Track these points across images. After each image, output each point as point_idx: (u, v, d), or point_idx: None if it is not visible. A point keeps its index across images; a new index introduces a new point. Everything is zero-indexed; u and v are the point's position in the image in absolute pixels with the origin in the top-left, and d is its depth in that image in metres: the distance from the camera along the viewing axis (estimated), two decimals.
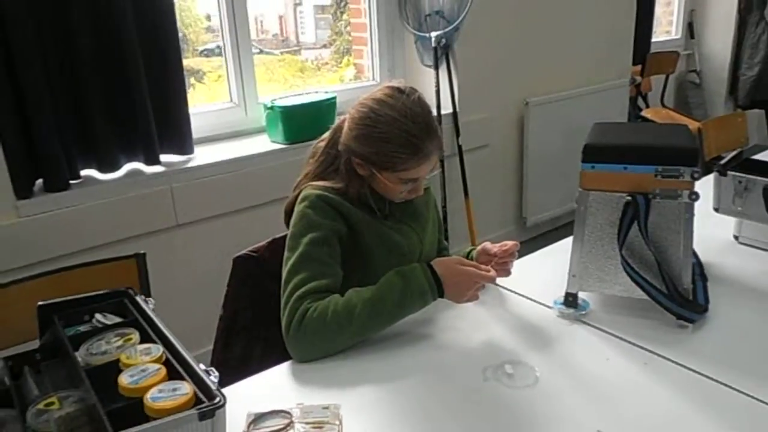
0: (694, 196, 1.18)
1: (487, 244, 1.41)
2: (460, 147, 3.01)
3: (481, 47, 3.04)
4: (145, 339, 0.92)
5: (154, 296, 1.21)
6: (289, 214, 1.34)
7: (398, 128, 1.22)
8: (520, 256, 1.60)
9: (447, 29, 2.85)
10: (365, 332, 1.20)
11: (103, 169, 2.14)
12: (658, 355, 1.16)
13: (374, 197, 1.32)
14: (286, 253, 1.27)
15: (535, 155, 3.37)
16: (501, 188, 3.40)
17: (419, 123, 1.24)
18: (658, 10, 4.59)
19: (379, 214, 1.34)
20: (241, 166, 2.36)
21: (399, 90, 1.27)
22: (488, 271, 1.26)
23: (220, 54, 2.59)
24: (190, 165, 2.27)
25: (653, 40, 4.42)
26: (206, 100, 2.63)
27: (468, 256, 1.45)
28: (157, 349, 0.87)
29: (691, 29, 4.86)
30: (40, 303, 0.97)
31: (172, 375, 0.82)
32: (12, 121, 1.88)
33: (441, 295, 1.24)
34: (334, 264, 1.25)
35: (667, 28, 4.93)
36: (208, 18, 2.74)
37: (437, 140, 1.27)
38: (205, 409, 0.73)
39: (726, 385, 1.07)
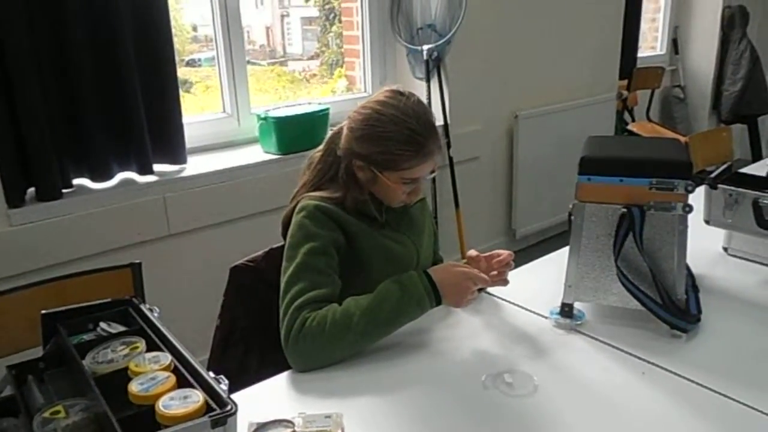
0: (688, 209, 1.21)
1: (473, 252, 1.42)
2: (451, 159, 3.04)
3: (472, 61, 3.09)
4: (150, 347, 0.92)
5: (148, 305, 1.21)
6: (286, 224, 1.35)
7: (401, 126, 1.25)
8: (513, 268, 1.62)
9: (438, 43, 2.89)
10: (364, 341, 1.21)
11: (95, 179, 2.13)
12: (653, 364, 1.18)
13: (373, 204, 1.34)
14: (284, 264, 1.28)
15: (525, 167, 3.42)
16: (491, 200, 3.44)
17: (421, 121, 1.26)
18: (644, 26, 4.67)
19: (378, 220, 1.35)
20: (234, 176, 2.36)
21: (399, 92, 1.30)
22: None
23: (203, 64, 2.60)
24: (183, 175, 2.27)
25: (639, 55, 4.50)
26: (193, 111, 2.64)
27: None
28: (166, 357, 0.87)
29: (675, 45, 4.96)
30: (43, 312, 0.96)
31: (182, 383, 0.82)
32: (5, 129, 1.87)
33: (439, 301, 1.25)
34: (332, 273, 1.26)
35: (652, 44, 5.02)
36: (195, 28, 2.75)
37: (438, 140, 1.30)
38: (217, 417, 0.73)
39: (719, 393, 1.09)
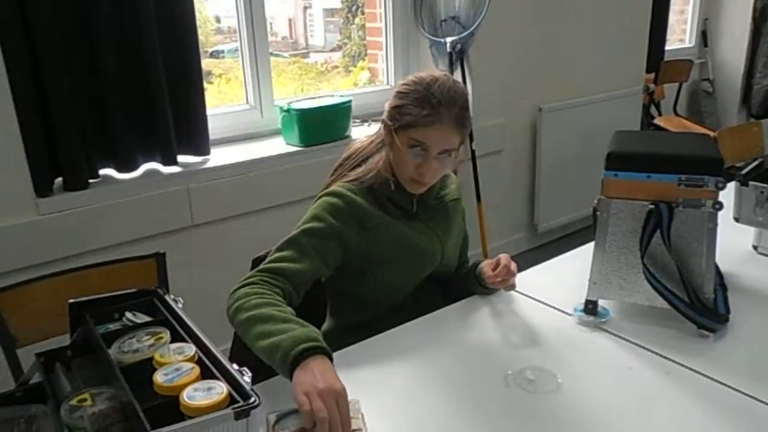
0: (718, 206, 1.19)
1: (487, 269, 1.39)
2: (473, 152, 3.02)
3: (496, 53, 3.06)
4: (175, 338, 0.93)
5: (172, 295, 1.22)
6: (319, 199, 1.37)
7: (423, 87, 1.27)
8: (534, 264, 1.62)
9: (462, 35, 2.86)
10: (244, 337, 1.11)
11: (121, 169, 2.16)
12: (680, 365, 1.16)
13: (401, 192, 1.34)
14: None
15: (548, 161, 3.38)
16: (513, 194, 3.41)
17: (443, 88, 1.26)
18: (672, 18, 4.58)
19: (409, 210, 1.36)
20: (257, 167, 2.37)
21: (446, 74, 1.32)
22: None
23: (227, 56, 2.60)
24: (206, 166, 2.29)
25: (667, 48, 4.41)
26: (216, 103, 2.65)
27: (475, 268, 1.44)
28: (190, 348, 0.88)
29: (704, 37, 4.85)
30: (71, 301, 0.98)
31: (205, 374, 0.83)
32: (34, 120, 1.91)
33: (288, 372, 1.01)
34: (315, 257, 1.26)
35: (680, 36, 4.92)
36: (218, 20, 2.76)
37: (457, 117, 1.27)
38: (240, 409, 0.74)
39: (747, 395, 1.07)
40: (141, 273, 1.56)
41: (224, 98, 2.74)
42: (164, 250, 1.58)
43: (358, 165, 1.38)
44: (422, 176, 1.30)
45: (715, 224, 1.20)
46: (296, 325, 1.07)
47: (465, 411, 1.05)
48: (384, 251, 1.32)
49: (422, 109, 1.25)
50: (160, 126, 2.15)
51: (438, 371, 1.16)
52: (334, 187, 1.33)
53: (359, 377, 1.15)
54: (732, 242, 1.56)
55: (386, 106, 1.33)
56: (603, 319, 1.31)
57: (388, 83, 3.08)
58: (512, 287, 1.39)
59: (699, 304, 1.22)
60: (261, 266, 1.24)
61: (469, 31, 2.84)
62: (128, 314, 1.01)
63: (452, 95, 1.27)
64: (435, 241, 1.39)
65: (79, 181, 2.03)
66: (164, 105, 2.14)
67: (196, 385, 0.80)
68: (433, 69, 1.31)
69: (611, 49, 3.59)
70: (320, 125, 2.51)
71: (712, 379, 1.12)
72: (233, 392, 0.78)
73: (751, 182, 1.49)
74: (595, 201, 1.28)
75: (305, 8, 3.25)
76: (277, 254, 1.25)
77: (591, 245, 1.31)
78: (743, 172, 1.52)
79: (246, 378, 0.80)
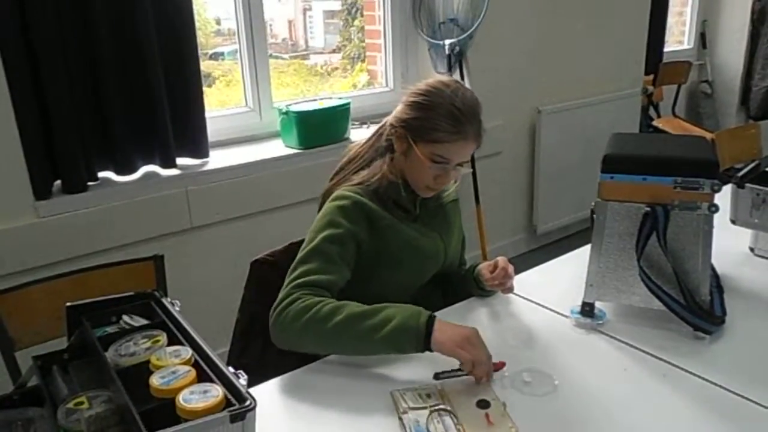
0: (714, 209, 1.19)
1: (485, 272, 1.41)
2: (472, 154, 3.02)
3: (495, 55, 3.06)
4: (172, 341, 0.94)
5: (169, 298, 1.23)
6: (322, 203, 1.37)
7: (447, 101, 1.28)
8: (533, 265, 1.62)
9: (461, 37, 2.86)
10: (337, 344, 1.17)
11: (120, 172, 2.16)
12: (676, 366, 1.17)
13: (406, 195, 1.35)
14: (303, 244, 1.30)
15: (547, 163, 3.38)
16: (512, 196, 3.41)
17: (467, 104, 1.29)
18: (671, 20, 4.59)
19: (411, 212, 1.36)
20: (256, 170, 2.38)
21: (457, 81, 1.35)
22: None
23: (226, 58, 2.61)
24: (205, 168, 2.29)
25: (665, 49, 4.43)
26: (216, 105, 2.66)
27: (473, 271, 1.45)
28: (186, 351, 0.88)
29: (703, 39, 4.86)
30: (68, 304, 0.98)
31: (202, 377, 0.83)
32: (33, 123, 1.91)
33: (424, 349, 1.12)
34: (341, 264, 1.26)
35: (679, 38, 4.93)
36: (218, 22, 2.77)
37: (477, 131, 1.31)
38: (236, 412, 0.74)
39: (744, 396, 1.08)
40: (139, 275, 1.56)
41: (225, 101, 2.74)
42: (163, 252, 1.58)
43: (361, 168, 1.38)
44: (438, 183, 1.34)
45: (711, 226, 1.21)
46: (393, 308, 1.16)
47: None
48: (391, 252, 1.33)
49: (450, 126, 1.27)
50: (159, 128, 2.16)
51: (433, 371, 1.16)
52: (341, 191, 1.33)
53: (359, 376, 1.15)
54: (729, 244, 1.56)
55: (400, 114, 1.33)
56: (599, 321, 1.31)
57: (387, 85, 3.09)
58: (510, 290, 1.40)
59: (695, 306, 1.22)
60: (294, 281, 1.21)
61: (467, 33, 2.85)
62: (125, 317, 1.01)
63: (474, 109, 1.30)
64: (438, 242, 1.40)
65: (77, 183, 2.04)
66: (163, 107, 2.15)
67: (192, 388, 0.80)
68: (435, 74, 1.32)
69: (610, 50, 3.60)
70: (319, 127, 2.52)
71: (708, 380, 1.12)
72: (229, 395, 0.79)
73: (747, 184, 1.50)
74: (593, 203, 1.28)
75: (305, 10, 3.26)
76: (305, 267, 1.23)
77: (588, 247, 1.31)
78: (740, 174, 1.52)
79: (242, 381, 0.80)
